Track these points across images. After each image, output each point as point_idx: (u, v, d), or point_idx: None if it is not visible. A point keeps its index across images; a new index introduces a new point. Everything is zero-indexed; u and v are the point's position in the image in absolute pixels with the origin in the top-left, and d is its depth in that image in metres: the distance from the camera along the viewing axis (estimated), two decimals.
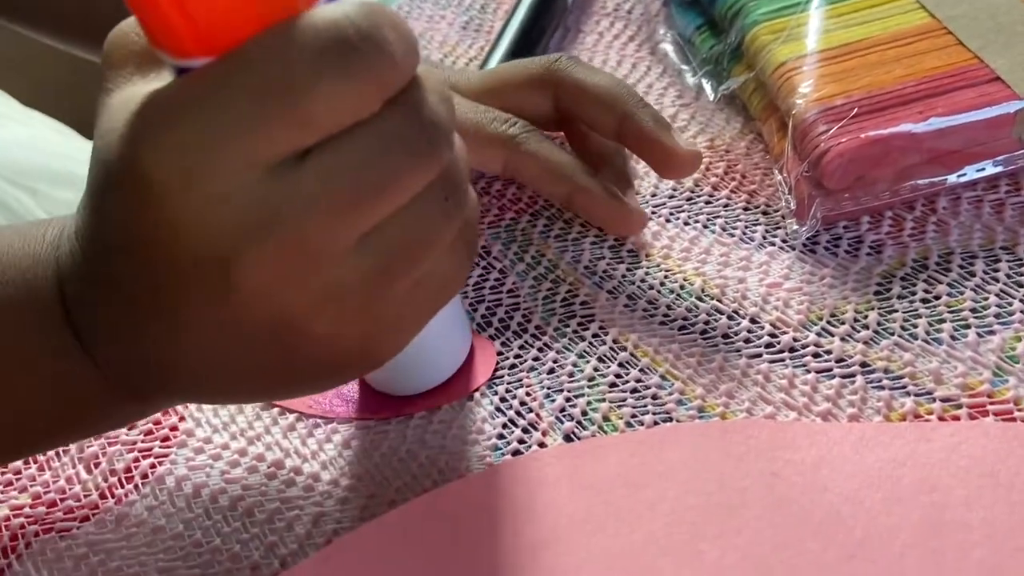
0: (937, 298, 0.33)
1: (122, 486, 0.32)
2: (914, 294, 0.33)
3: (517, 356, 0.34)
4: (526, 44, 0.45)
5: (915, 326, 0.32)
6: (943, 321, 0.32)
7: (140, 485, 0.32)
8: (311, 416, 0.33)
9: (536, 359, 0.34)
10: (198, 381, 0.25)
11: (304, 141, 0.22)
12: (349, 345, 0.25)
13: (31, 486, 0.32)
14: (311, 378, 0.26)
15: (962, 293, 0.33)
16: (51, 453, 0.33)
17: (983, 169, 0.35)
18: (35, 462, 0.33)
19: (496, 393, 0.33)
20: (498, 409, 0.32)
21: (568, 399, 0.32)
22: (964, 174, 0.35)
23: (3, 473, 0.33)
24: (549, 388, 0.33)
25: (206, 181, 0.21)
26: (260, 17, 0.21)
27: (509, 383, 0.33)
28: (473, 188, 0.27)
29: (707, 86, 0.41)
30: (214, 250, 0.22)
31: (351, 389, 0.33)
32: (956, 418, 0.29)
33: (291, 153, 0.22)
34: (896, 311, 0.33)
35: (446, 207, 0.24)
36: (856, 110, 0.34)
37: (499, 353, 0.34)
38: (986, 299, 0.32)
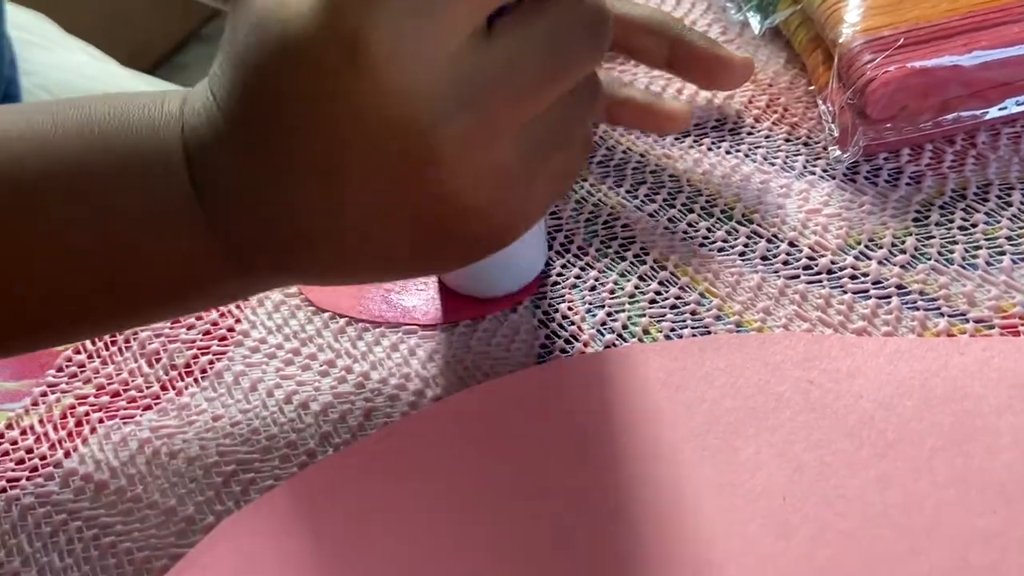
0: (974, 226, 0.33)
1: (182, 379, 0.33)
2: (951, 222, 0.34)
3: (559, 275, 0.35)
4: None
5: (951, 252, 0.33)
6: (979, 248, 0.33)
7: (199, 379, 0.33)
8: (360, 321, 0.34)
9: (578, 277, 0.35)
10: (337, 253, 0.25)
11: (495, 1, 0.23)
12: (494, 224, 0.25)
13: (95, 378, 0.34)
14: (445, 256, 0.27)
15: (998, 222, 0.33)
16: (113, 348, 0.35)
17: None
18: (99, 356, 0.35)
19: (539, 307, 0.34)
20: (540, 322, 0.33)
21: (609, 314, 0.33)
22: (1005, 107, 0.35)
23: (68, 366, 0.34)
24: (591, 304, 0.34)
25: (419, 47, 0.22)
26: None
27: (551, 299, 0.34)
28: None
29: (753, 20, 0.42)
30: (418, 121, 0.22)
31: (398, 296, 0.35)
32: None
33: (483, 19, 0.22)
34: (933, 237, 0.33)
35: (589, 100, 0.25)
36: (902, 40, 0.35)
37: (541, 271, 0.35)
38: (1022, 228, 0.33)
